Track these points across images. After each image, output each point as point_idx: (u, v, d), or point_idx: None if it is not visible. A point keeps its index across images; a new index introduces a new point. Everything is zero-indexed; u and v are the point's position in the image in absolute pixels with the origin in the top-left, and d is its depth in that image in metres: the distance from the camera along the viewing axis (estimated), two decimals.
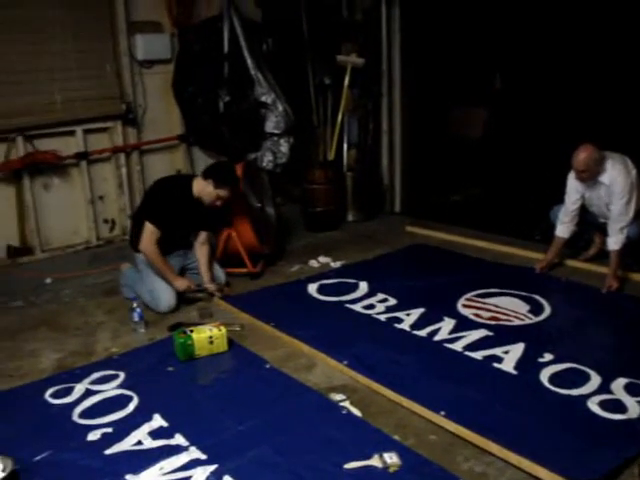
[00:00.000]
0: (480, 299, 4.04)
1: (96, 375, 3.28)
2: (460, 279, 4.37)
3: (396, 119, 6.25)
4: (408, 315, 3.83)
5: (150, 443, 2.68)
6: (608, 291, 4.04)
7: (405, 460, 2.48)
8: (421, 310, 3.88)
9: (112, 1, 4.94)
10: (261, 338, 3.69)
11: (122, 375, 3.27)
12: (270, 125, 5.42)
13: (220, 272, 4.38)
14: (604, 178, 4.03)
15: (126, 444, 2.68)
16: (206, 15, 5.41)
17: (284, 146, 5.47)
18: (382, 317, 3.85)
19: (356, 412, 2.87)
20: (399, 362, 3.27)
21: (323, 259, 4.97)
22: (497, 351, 3.33)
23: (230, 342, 3.52)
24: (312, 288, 4.36)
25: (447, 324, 3.68)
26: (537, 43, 5.97)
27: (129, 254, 4.32)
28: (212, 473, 2.47)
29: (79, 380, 3.23)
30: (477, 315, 3.81)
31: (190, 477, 2.46)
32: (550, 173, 4.87)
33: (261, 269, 4.73)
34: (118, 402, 3.01)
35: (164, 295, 4.02)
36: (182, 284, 4.10)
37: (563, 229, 4.34)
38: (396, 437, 2.67)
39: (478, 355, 3.31)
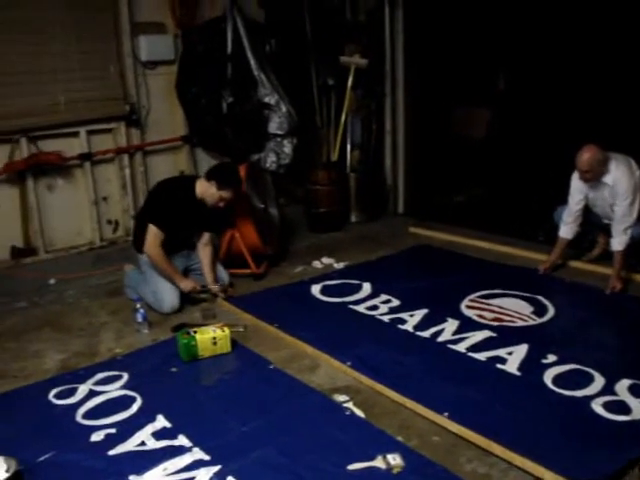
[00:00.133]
0: (484, 300, 4.03)
1: (100, 376, 3.28)
2: (463, 280, 4.37)
3: (399, 120, 6.25)
4: (411, 316, 3.83)
5: (153, 444, 2.68)
6: (612, 292, 4.03)
7: (408, 461, 2.48)
8: (424, 311, 3.88)
9: (116, 2, 4.96)
10: (264, 339, 3.69)
11: (126, 376, 3.27)
12: (273, 126, 5.43)
13: (223, 273, 4.38)
14: (608, 179, 4.03)
15: (130, 445, 2.68)
16: (209, 16, 5.42)
17: (287, 147, 5.48)
18: (385, 318, 3.85)
19: (359, 413, 2.87)
20: (402, 363, 3.27)
21: (326, 260, 4.97)
22: (501, 352, 3.33)
23: (233, 343, 3.52)
24: (315, 289, 4.36)
25: (450, 325, 3.68)
26: (541, 44, 5.96)
27: (132, 255, 4.33)
28: (215, 474, 2.47)
29: (83, 381, 3.23)
30: (481, 316, 3.80)
31: (193, 478, 2.46)
32: (554, 174, 4.87)
33: (264, 270, 4.73)
34: (122, 403, 3.02)
35: (167, 296, 4.02)
36: (188, 285, 4.10)
37: (567, 230, 4.33)
38: (399, 438, 2.67)
39: (481, 356, 3.30)
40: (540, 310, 3.88)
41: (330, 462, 2.50)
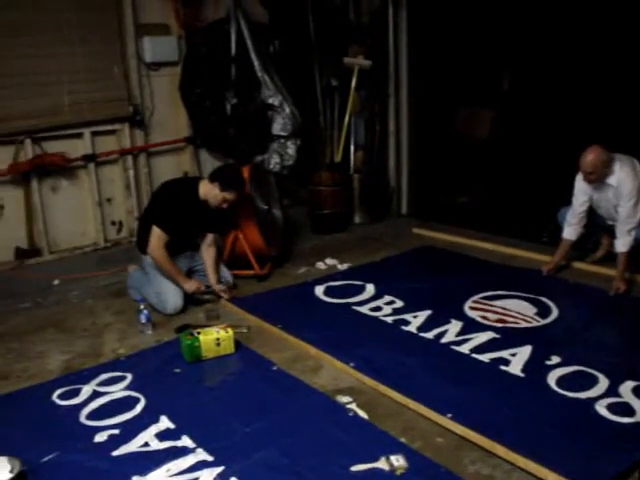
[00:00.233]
0: (487, 301, 4.03)
1: (103, 376, 3.29)
2: (467, 281, 4.37)
3: (403, 120, 6.25)
4: (415, 317, 3.83)
5: (157, 445, 2.68)
6: (616, 293, 4.03)
7: (412, 463, 2.47)
8: (428, 312, 3.88)
9: (120, 4, 4.96)
10: (268, 340, 3.69)
11: (129, 377, 3.28)
12: (277, 127, 5.43)
13: (227, 274, 4.39)
14: (612, 180, 4.02)
15: (133, 446, 2.68)
16: (213, 17, 5.42)
17: (291, 148, 5.48)
18: (389, 319, 3.85)
19: (363, 414, 2.87)
20: (406, 364, 3.27)
21: (330, 261, 4.98)
22: (504, 354, 3.33)
23: (237, 344, 3.52)
24: (319, 290, 4.36)
25: (454, 326, 3.68)
26: (545, 44, 5.96)
27: (136, 256, 4.33)
28: (219, 475, 2.47)
29: (86, 381, 3.24)
30: (484, 317, 3.80)
31: (197, 479, 2.46)
32: (557, 175, 4.86)
33: (268, 271, 4.73)
34: (125, 404, 3.02)
35: (171, 297, 4.03)
36: (192, 286, 4.11)
37: (570, 231, 4.33)
38: (403, 439, 2.67)
39: (485, 358, 3.30)
40: (544, 311, 3.88)
41: (333, 463, 2.50)
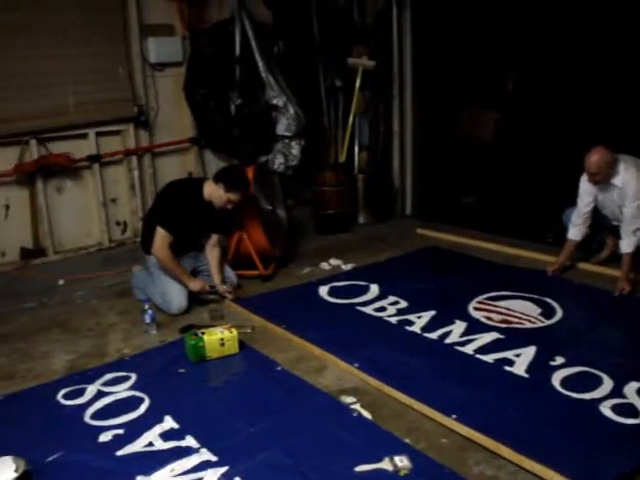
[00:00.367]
0: (491, 302, 4.02)
1: (108, 376, 3.29)
2: (471, 282, 4.36)
3: (407, 121, 6.24)
4: (419, 318, 3.83)
5: (161, 445, 2.69)
6: (620, 294, 4.02)
7: (416, 463, 2.47)
8: (432, 313, 3.87)
9: (125, 5, 4.98)
10: (272, 340, 3.69)
11: (134, 377, 3.28)
12: (281, 128, 5.44)
13: (231, 274, 4.39)
14: (617, 181, 4.02)
15: (137, 445, 2.69)
16: (217, 18, 5.44)
17: (295, 149, 5.49)
18: (393, 320, 3.84)
19: (367, 415, 2.87)
20: (410, 365, 3.27)
21: (334, 261, 4.98)
22: (508, 354, 3.32)
23: (241, 344, 3.52)
24: (323, 290, 4.36)
25: (458, 327, 3.67)
26: (549, 45, 5.95)
27: (141, 256, 4.34)
28: (223, 475, 2.47)
29: (91, 381, 3.24)
30: (488, 318, 3.79)
31: (201, 479, 2.46)
32: (562, 175, 4.85)
33: (272, 271, 4.73)
34: (130, 403, 3.02)
35: (175, 297, 4.03)
36: (197, 285, 4.12)
37: (575, 232, 4.32)
38: (407, 440, 2.66)
39: (489, 358, 3.30)
40: (548, 312, 3.87)
41: (337, 464, 2.50)
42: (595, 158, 3.95)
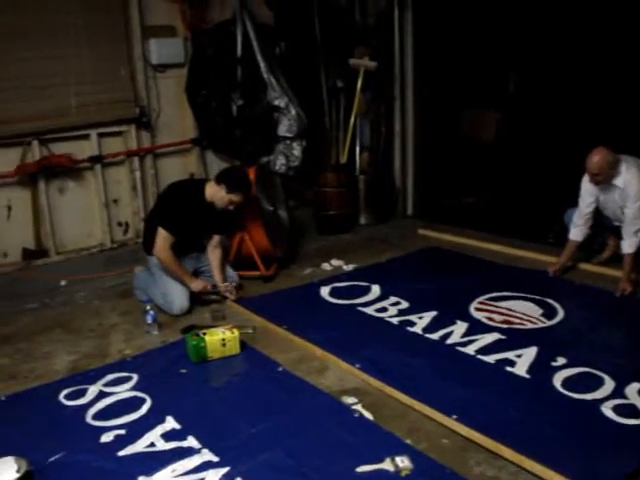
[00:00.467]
0: (493, 302, 4.03)
1: (110, 377, 3.30)
2: (473, 282, 4.37)
3: (409, 122, 6.25)
4: (420, 318, 3.83)
5: (163, 445, 2.69)
6: (622, 294, 4.02)
7: (417, 464, 2.47)
8: (433, 313, 3.88)
9: (127, 6, 4.99)
10: (273, 341, 3.70)
11: (135, 377, 3.29)
12: (283, 128, 5.45)
13: (233, 275, 4.39)
14: (618, 181, 4.02)
15: (139, 446, 2.69)
16: (219, 19, 5.44)
17: (297, 149, 5.49)
18: (394, 320, 3.85)
19: (368, 415, 2.87)
20: (411, 365, 3.27)
21: (335, 262, 4.98)
22: (510, 355, 3.32)
23: (242, 345, 3.53)
24: (324, 291, 4.36)
25: (459, 327, 3.67)
26: (551, 46, 5.94)
27: (142, 257, 4.35)
28: (224, 476, 2.47)
29: (93, 382, 3.25)
30: (490, 319, 3.79)
31: (202, 479, 2.47)
32: (563, 176, 4.85)
33: (274, 272, 4.74)
34: (131, 404, 3.03)
35: (177, 298, 4.04)
36: (198, 285, 4.12)
37: (577, 232, 4.32)
38: (408, 441, 2.67)
39: (490, 359, 3.30)
40: (549, 312, 3.87)
41: (338, 464, 2.50)
42: (597, 159, 3.95)
